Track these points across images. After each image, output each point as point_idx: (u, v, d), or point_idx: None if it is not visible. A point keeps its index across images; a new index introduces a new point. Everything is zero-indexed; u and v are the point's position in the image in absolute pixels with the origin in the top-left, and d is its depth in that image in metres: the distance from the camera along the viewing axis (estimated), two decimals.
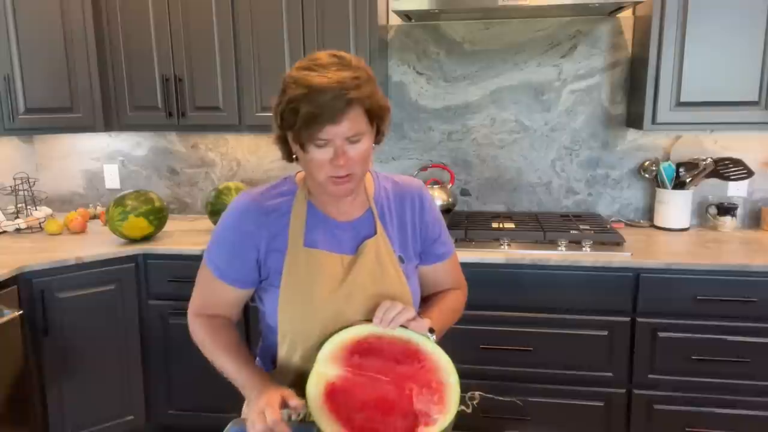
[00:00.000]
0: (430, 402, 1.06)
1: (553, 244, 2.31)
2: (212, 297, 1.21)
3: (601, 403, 2.27)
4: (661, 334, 2.18)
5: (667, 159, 2.65)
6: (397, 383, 1.07)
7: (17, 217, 2.81)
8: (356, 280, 1.15)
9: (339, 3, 2.44)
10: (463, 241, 2.35)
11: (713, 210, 2.63)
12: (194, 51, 2.59)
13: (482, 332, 2.27)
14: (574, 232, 2.36)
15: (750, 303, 2.11)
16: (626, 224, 2.70)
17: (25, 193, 2.88)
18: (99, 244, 2.51)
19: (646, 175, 2.66)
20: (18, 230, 2.76)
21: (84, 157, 3.13)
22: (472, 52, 2.73)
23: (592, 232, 2.37)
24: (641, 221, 2.73)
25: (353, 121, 1.05)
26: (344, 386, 1.07)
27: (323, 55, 1.08)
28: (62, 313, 2.31)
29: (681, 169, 2.58)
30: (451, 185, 2.76)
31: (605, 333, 2.22)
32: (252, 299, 1.26)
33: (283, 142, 1.14)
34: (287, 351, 1.17)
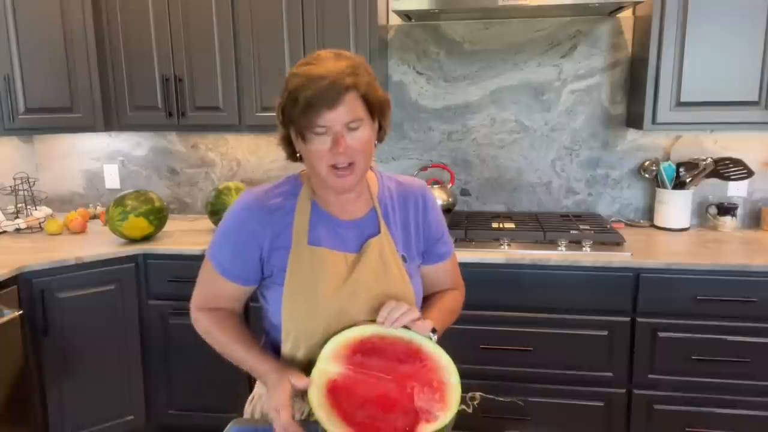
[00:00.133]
0: (432, 400, 1.06)
1: (553, 244, 2.31)
2: (215, 292, 1.22)
3: (601, 403, 2.27)
4: (661, 334, 2.18)
5: (667, 159, 2.65)
6: (399, 382, 1.07)
7: (17, 217, 2.81)
8: (360, 279, 1.15)
9: (339, 3, 2.45)
10: (463, 241, 2.35)
11: (713, 210, 2.63)
12: (194, 51, 2.59)
13: (482, 332, 2.28)
14: (574, 232, 2.36)
15: (750, 303, 2.11)
16: (626, 224, 2.70)
17: (25, 193, 2.88)
18: (99, 244, 2.51)
19: (646, 175, 2.66)
20: (18, 230, 2.76)
21: (84, 157, 3.13)
22: (472, 52, 2.73)
23: (592, 232, 2.37)
24: (641, 221, 2.73)
25: (350, 107, 1.06)
26: (346, 383, 1.07)
27: (323, 52, 1.11)
28: (62, 313, 2.31)
29: (681, 169, 2.59)
30: (451, 185, 2.76)
31: (605, 333, 2.22)
32: (254, 299, 1.26)
33: (287, 142, 1.15)
34: (291, 348, 1.17)
